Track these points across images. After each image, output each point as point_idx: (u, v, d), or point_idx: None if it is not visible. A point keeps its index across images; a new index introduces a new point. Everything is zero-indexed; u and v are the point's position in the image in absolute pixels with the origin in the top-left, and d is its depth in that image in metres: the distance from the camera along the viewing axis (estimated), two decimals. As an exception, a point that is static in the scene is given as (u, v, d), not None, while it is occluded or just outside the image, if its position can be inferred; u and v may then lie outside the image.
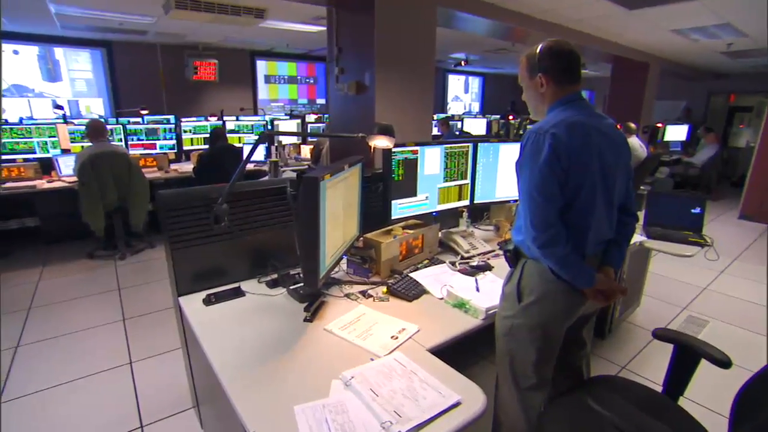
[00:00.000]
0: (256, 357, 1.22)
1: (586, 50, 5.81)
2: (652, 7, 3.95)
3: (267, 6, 4.34)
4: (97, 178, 3.57)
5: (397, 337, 1.31)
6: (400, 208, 1.92)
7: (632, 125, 5.42)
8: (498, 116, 9.14)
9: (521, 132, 5.45)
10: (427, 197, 2.01)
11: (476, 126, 8.34)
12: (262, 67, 8.59)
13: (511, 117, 8.66)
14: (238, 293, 1.60)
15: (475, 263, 1.92)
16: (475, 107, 12.18)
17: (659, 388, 1.37)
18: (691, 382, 1.33)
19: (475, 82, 12.10)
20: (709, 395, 2.04)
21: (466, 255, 2.03)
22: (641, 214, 2.69)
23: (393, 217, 1.91)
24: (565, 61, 1.27)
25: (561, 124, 1.20)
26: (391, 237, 1.81)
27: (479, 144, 2.12)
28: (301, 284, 1.62)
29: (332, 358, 1.22)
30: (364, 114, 3.42)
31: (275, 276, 1.71)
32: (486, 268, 1.88)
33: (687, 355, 1.31)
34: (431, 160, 1.96)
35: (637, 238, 2.36)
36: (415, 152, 1.89)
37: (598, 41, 5.62)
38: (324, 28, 3.71)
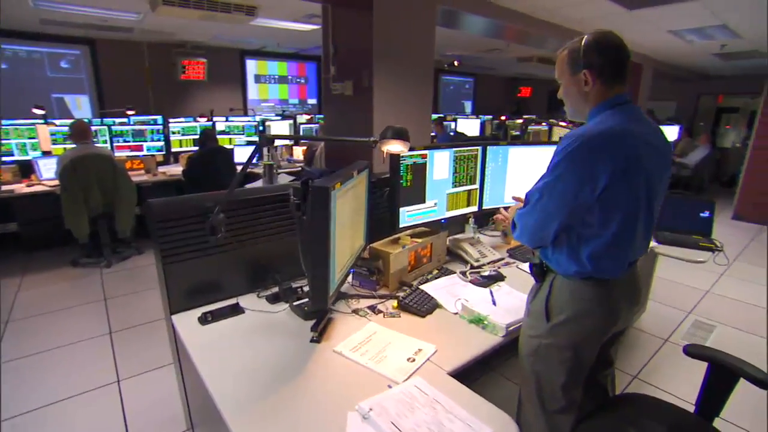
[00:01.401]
0: (260, 385, 1.10)
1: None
2: (653, 8, 3.91)
3: (258, 3, 4.19)
4: (80, 181, 3.39)
5: (414, 360, 1.21)
6: (408, 215, 1.81)
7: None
8: (491, 116, 9.09)
9: (526, 136, 5.29)
10: (436, 203, 1.90)
11: (470, 127, 8.28)
12: (252, 66, 8.39)
13: (504, 117, 8.60)
14: (236, 310, 1.48)
15: (486, 273, 1.82)
16: (467, 108, 12.13)
17: (675, 399, 1.29)
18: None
19: (466, 83, 12.04)
20: (749, 414, 1.92)
21: (476, 264, 1.93)
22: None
23: (401, 225, 1.79)
24: (614, 56, 1.12)
25: (610, 133, 1.07)
26: (399, 247, 1.70)
27: (488, 147, 2.02)
28: (305, 300, 1.51)
29: (345, 385, 1.11)
30: (362, 115, 3.30)
31: (276, 290, 1.58)
32: (498, 278, 1.79)
33: (723, 374, 1.22)
34: (440, 165, 1.86)
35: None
36: (424, 156, 1.78)
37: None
38: (317, 27, 3.59)
